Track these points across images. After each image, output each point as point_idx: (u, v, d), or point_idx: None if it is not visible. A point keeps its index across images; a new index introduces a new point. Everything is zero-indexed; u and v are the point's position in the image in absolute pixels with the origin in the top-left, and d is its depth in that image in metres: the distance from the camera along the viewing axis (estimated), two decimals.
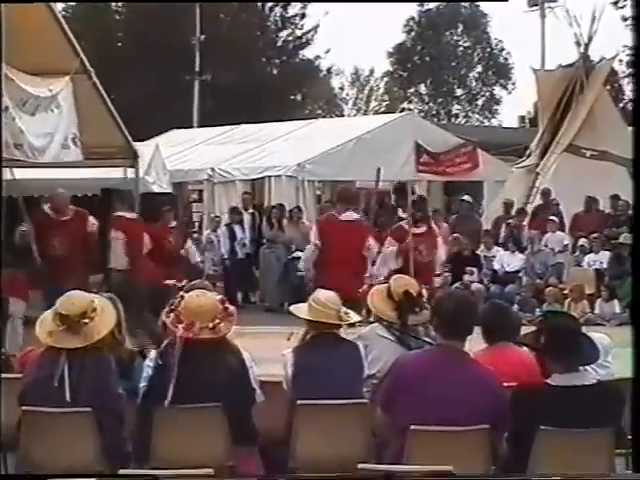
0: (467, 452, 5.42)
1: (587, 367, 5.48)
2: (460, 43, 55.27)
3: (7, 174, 11.45)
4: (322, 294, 6.61)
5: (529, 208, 19.72)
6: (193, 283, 6.93)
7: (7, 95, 10.89)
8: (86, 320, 5.80)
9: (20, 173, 12.82)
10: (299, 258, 18.03)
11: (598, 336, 6.00)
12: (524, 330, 6.29)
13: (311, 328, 6.48)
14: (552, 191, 19.32)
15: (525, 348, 6.38)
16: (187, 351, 5.82)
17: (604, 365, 6.49)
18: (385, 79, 56.78)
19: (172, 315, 5.94)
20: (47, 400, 5.72)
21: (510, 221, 18.81)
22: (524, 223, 18.82)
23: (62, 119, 12.41)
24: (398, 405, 5.55)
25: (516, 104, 73.67)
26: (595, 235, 17.61)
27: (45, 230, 12.26)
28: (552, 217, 18.24)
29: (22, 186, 12.46)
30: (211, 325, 5.88)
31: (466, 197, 20.19)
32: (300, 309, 6.59)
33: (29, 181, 14.12)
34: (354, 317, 6.63)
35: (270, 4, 41.03)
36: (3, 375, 6.59)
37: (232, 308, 6.15)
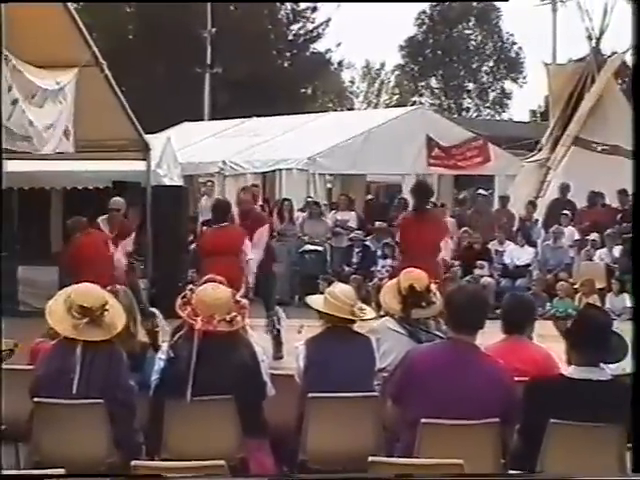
0: (477, 445, 5.41)
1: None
2: (471, 37, 55.01)
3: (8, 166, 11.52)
4: (338, 288, 6.62)
5: (540, 202, 19.66)
6: (207, 277, 6.91)
7: (16, 88, 10.88)
8: (105, 312, 5.82)
9: (20, 165, 12.87)
10: (310, 251, 18.12)
11: None
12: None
13: (325, 321, 6.49)
14: (571, 186, 19.16)
15: (538, 344, 6.40)
16: (202, 344, 5.84)
17: None
18: (396, 72, 56.52)
19: (188, 308, 5.94)
20: (59, 392, 5.73)
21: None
22: (534, 216, 18.77)
23: (64, 111, 12.38)
24: (408, 398, 5.54)
25: (527, 98, 73.54)
26: (608, 231, 17.56)
27: None
28: (565, 211, 18.19)
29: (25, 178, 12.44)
30: (228, 318, 5.89)
31: (481, 191, 20.14)
32: (315, 301, 6.59)
33: (32, 173, 14.20)
34: (369, 313, 6.64)
35: None
36: (13, 366, 6.62)
37: (244, 301, 6.17)
